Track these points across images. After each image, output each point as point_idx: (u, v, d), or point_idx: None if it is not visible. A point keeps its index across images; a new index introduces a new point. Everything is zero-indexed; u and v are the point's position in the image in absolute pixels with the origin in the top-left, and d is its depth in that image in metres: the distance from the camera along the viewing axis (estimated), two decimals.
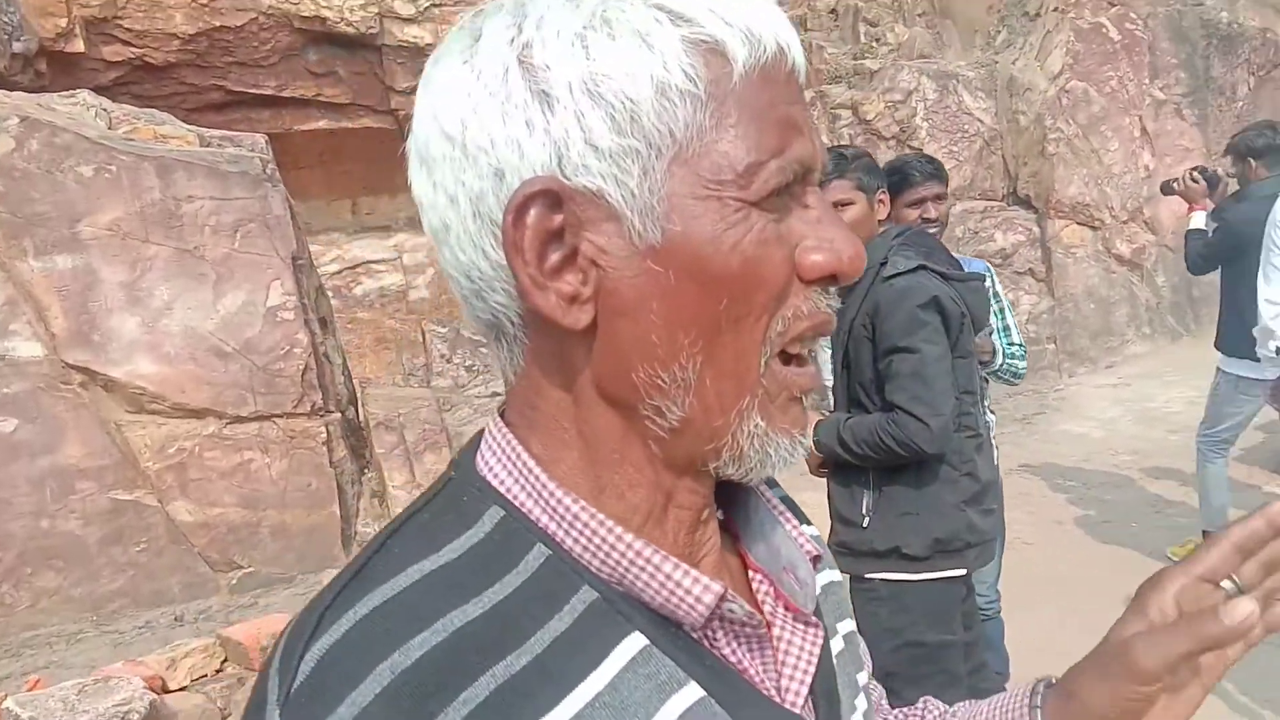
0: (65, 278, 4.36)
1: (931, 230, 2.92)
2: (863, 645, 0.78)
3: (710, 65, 0.51)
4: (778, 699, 0.59)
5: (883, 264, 2.36)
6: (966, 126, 9.07)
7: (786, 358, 0.56)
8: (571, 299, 0.53)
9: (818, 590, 0.64)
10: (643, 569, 0.55)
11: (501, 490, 0.58)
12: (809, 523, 0.76)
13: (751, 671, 0.58)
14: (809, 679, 0.61)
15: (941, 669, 2.34)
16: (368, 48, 9.16)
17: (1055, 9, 8.91)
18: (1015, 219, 9.01)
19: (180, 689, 2.99)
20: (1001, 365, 3.32)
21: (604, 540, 0.55)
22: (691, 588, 0.54)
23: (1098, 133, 8.83)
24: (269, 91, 9.07)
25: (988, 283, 3.50)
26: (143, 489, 4.42)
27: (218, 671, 3.09)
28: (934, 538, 2.30)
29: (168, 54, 8.48)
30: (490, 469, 0.59)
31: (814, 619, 0.63)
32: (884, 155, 8.97)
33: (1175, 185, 4.36)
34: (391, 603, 0.51)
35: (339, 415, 5.07)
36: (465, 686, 0.49)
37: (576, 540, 0.55)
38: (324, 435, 4.82)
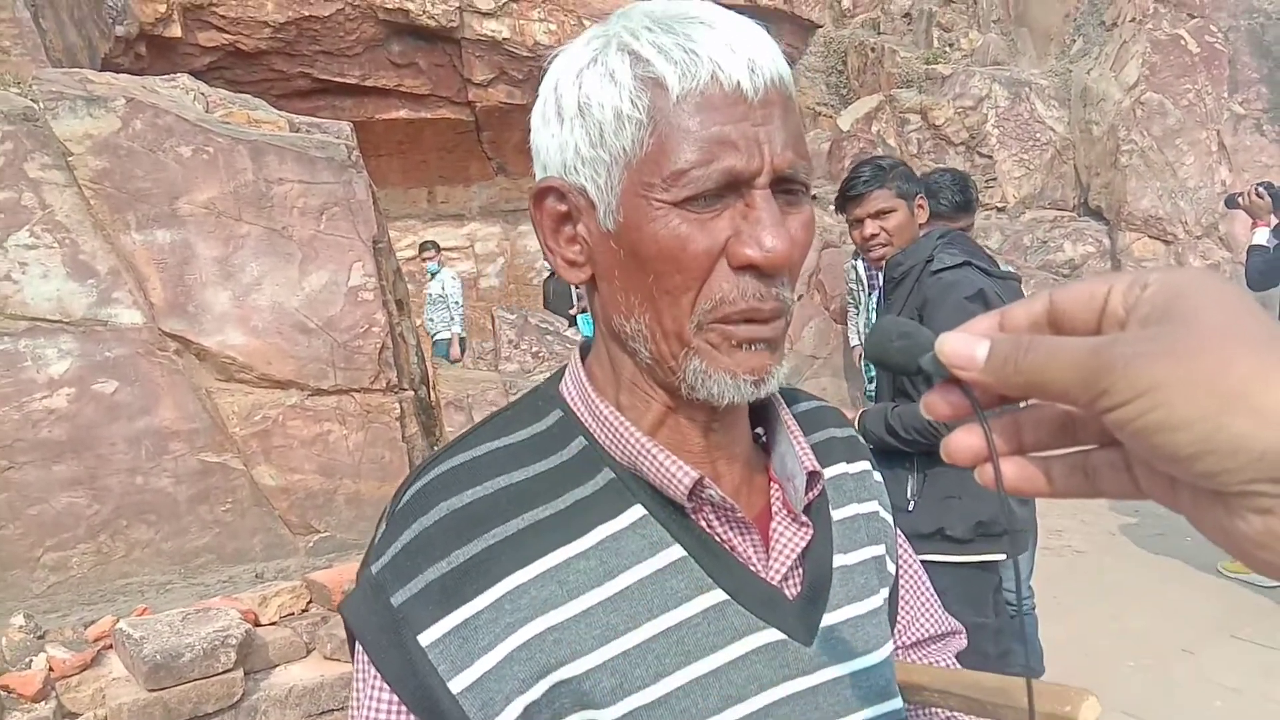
0: (164, 251, 4.62)
1: None
2: (894, 538, 0.96)
3: (654, 95, 0.67)
4: (759, 572, 0.75)
5: (929, 260, 2.49)
6: (1038, 135, 9.03)
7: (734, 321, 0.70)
8: (571, 263, 0.75)
9: (815, 492, 0.80)
10: (646, 457, 0.73)
11: (567, 399, 0.80)
12: (868, 455, 0.96)
13: (741, 550, 0.75)
14: (790, 561, 0.77)
15: (972, 649, 2.45)
16: (448, 40, 9.42)
17: (1132, 19, 8.83)
18: (1085, 230, 8.96)
19: (271, 623, 3.26)
20: None
21: (621, 436, 0.75)
22: (675, 472, 0.72)
23: (1173, 146, 8.73)
24: (353, 80, 9.38)
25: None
26: (230, 453, 4.68)
27: (304, 610, 3.37)
28: (977, 520, 2.42)
29: (259, 41, 8.82)
30: (565, 385, 0.81)
31: (804, 519, 0.79)
32: (952, 161, 8.97)
33: (1240, 200, 4.38)
34: (463, 465, 0.75)
35: (412, 393, 5.29)
36: (499, 523, 0.70)
37: (605, 435, 0.76)
38: (398, 411, 5.04)
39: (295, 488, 4.81)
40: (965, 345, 0.45)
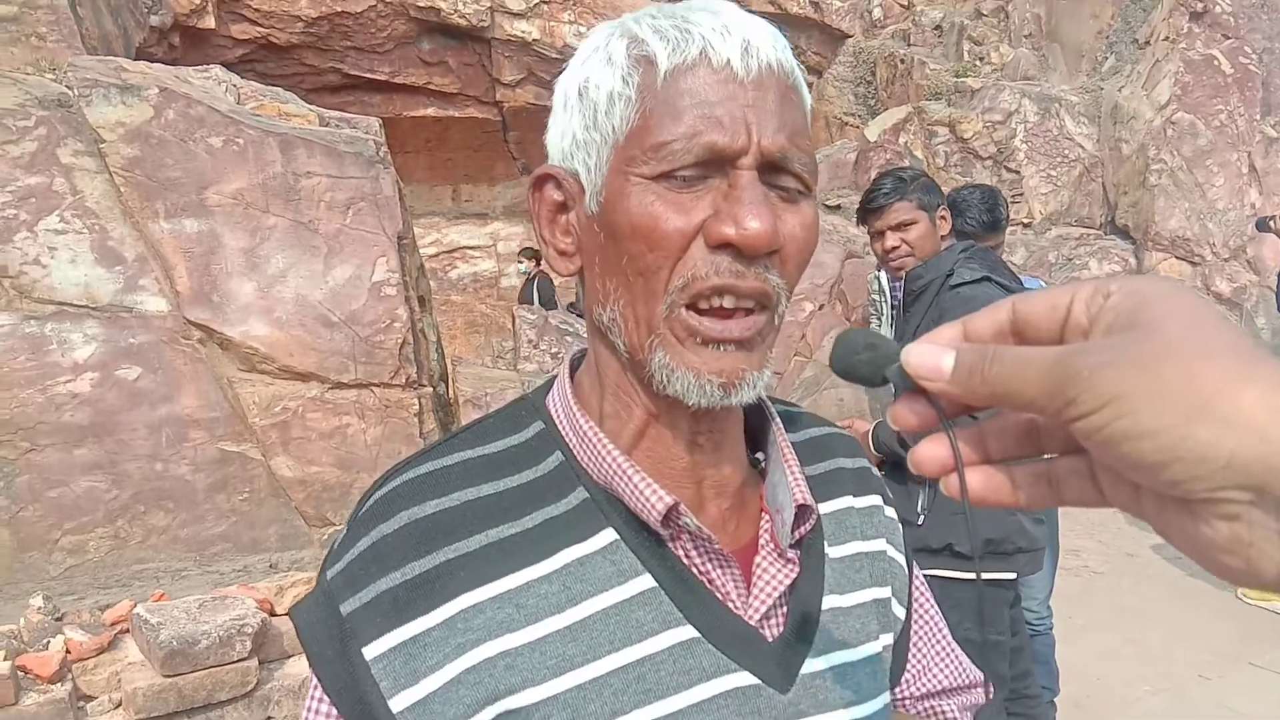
0: (191, 240, 4.66)
1: None
2: (905, 582, 0.86)
3: (644, 72, 0.65)
4: (737, 609, 0.70)
5: (949, 274, 2.47)
6: (1067, 152, 8.97)
7: (701, 310, 0.65)
8: (563, 253, 0.72)
9: (806, 527, 0.74)
10: (621, 478, 0.69)
11: (551, 411, 0.76)
12: (880, 490, 0.88)
13: (719, 584, 0.70)
14: (772, 599, 0.71)
15: (985, 668, 2.42)
16: (478, 40, 9.46)
17: (1166, 38, 8.76)
18: (1111, 249, 8.89)
19: (286, 613, 3.27)
20: None
21: (598, 453, 0.70)
22: (649, 496, 0.67)
23: (1203, 166, 8.65)
24: (382, 77, 9.44)
25: None
26: (249, 443, 4.72)
27: None
28: (986, 538, 2.39)
29: (291, 35, 8.89)
30: (552, 396, 0.77)
31: (790, 555, 0.73)
32: (979, 176, 8.93)
33: (1272, 224, 4.33)
34: (432, 474, 0.70)
35: (431, 390, 5.31)
36: (461, 538, 0.67)
37: (583, 452, 0.71)
38: (416, 407, 5.06)
39: (312, 479, 4.83)
40: (931, 356, 0.45)
